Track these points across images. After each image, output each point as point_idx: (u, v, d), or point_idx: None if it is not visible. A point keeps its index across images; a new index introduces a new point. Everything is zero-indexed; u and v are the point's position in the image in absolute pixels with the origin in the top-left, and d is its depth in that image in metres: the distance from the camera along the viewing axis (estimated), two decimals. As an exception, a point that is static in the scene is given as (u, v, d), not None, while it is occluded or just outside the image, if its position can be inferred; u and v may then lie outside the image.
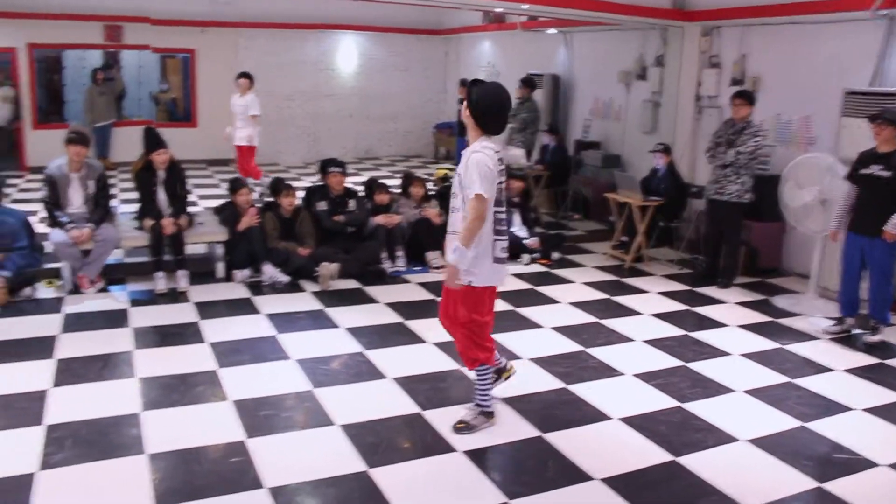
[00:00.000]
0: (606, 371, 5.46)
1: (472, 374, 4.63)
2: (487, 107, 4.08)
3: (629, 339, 6.12)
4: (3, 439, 4.20)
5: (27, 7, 12.62)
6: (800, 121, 8.00)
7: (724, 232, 7.65)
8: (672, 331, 6.36)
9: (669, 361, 5.68)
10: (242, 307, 6.57)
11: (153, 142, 6.96)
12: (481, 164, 3.97)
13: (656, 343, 6.05)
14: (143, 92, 14.92)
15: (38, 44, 13.27)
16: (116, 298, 6.66)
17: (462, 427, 4.42)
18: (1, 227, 6.56)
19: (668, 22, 9.27)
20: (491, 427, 4.48)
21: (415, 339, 5.96)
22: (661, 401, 4.98)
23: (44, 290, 6.71)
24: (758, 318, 6.78)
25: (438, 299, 6.83)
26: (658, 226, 8.49)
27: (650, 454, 4.27)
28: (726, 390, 5.19)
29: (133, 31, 13.63)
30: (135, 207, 7.32)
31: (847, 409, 4.98)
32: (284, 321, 6.21)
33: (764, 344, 6.13)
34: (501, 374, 4.73)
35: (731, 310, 7.00)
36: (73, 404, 4.61)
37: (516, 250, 8.22)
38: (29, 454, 4.02)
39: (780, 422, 4.75)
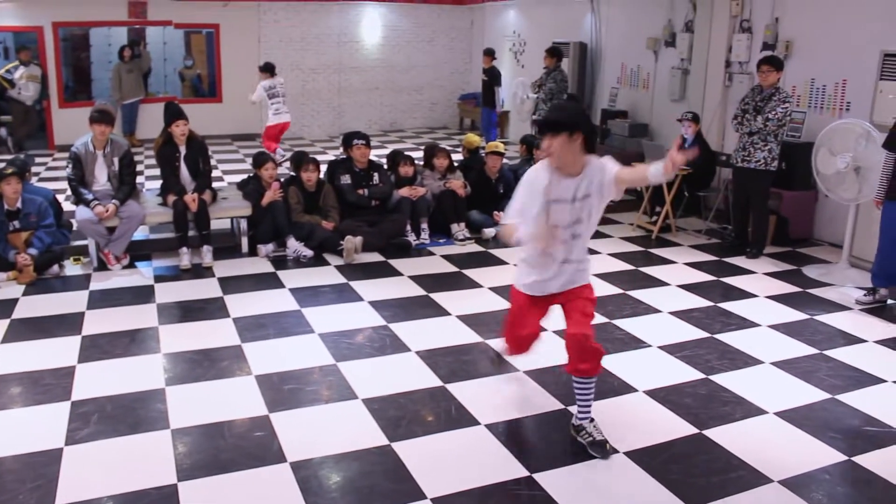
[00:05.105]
0: (632, 343, 5.39)
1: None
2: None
3: (656, 311, 6.04)
4: (33, 415, 4.26)
5: (51, -15, 12.66)
6: (834, 85, 7.78)
7: (751, 200, 7.50)
8: (699, 302, 6.26)
9: (696, 333, 5.59)
10: (267, 282, 6.59)
11: (172, 113, 6.99)
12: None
13: (683, 314, 5.97)
14: (168, 69, 14.97)
15: (63, 22, 13.31)
16: (142, 274, 6.71)
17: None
18: (28, 206, 6.59)
19: (697, -15, 9.04)
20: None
21: (439, 311, 5.93)
22: (687, 373, 4.91)
23: (71, 268, 6.80)
24: (788, 288, 6.64)
25: (462, 272, 6.83)
26: (685, 195, 8.35)
27: (676, 427, 4.21)
28: (755, 362, 5.10)
29: (156, 7, 13.61)
30: (159, 184, 7.35)
31: (879, 380, 4.86)
32: (308, 295, 6.22)
33: (793, 315, 6.00)
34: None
35: (760, 280, 6.88)
36: (99, 380, 4.66)
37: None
38: (57, 429, 4.07)
39: (810, 394, 4.65)
